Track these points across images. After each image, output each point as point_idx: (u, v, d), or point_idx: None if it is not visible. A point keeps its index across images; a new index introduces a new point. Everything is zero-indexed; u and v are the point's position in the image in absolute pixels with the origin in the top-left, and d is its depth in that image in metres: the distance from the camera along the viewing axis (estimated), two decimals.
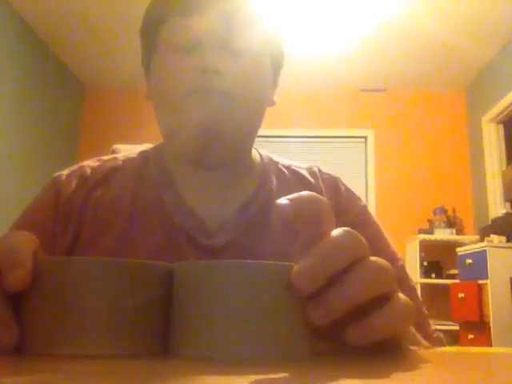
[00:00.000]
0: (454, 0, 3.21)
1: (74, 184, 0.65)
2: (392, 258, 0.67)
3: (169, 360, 0.29)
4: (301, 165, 0.74)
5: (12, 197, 3.32)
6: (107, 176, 0.67)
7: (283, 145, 4.31)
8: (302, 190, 0.70)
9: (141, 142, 0.75)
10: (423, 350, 0.37)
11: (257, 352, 0.28)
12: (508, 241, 3.05)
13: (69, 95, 4.39)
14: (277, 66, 0.69)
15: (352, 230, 0.33)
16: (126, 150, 0.77)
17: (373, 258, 0.33)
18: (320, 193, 0.69)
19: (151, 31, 0.64)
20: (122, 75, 4.34)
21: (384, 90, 4.45)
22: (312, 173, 0.72)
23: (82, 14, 3.49)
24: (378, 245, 0.66)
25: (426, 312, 0.65)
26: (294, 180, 0.70)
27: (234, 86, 0.58)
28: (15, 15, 3.47)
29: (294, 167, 0.72)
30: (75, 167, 0.69)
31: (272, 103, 0.69)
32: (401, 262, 0.68)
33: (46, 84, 3.96)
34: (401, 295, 0.33)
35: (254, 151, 0.72)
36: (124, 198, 0.64)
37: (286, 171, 0.71)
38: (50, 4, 3.38)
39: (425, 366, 0.31)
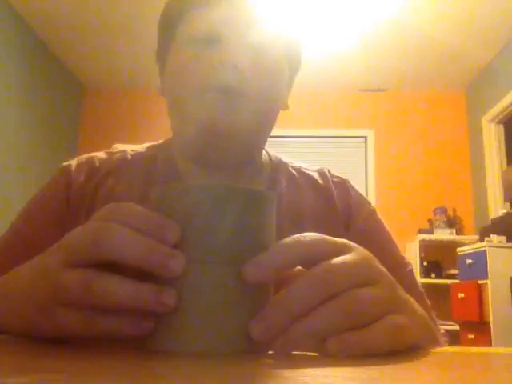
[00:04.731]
0: (454, 0, 3.21)
1: (83, 176, 0.65)
2: (400, 263, 0.66)
3: (169, 360, 0.29)
4: (311, 167, 0.73)
5: (11, 197, 3.32)
6: (116, 169, 0.66)
7: (283, 145, 4.31)
8: (311, 193, 0.69)
9: (140, 142, 0.75)
10: (422, 349, 0.37)
11: (222, 344, 0.30)
12: (508, 241, 3.05)
13: (69, 95, 4.39)
14: (293, 70, 0.67)
15: (331, 266, 0.31)
16: None
17: (358, 291, 0.31)
18: (330, 195, 0.68)
19: (170, 25, 0.63)
20: (122, 75, 4.34)
21: (384, 89, 4.45)
22: (322, 175, 0.71)
23: (82, 13, 3.49)
24: (387, 250, 0.66)
25: (435, 318, 0.64)
26: (304, 182, 0.70)
27: (249, 83, 0.57)
28: (15, 15, 3.47)
29: (304, 169, 0.72)
30: (84, 158, 0.68)
31: (286, 107, 0.67)
32: (409, 268, 0.67)
33: (45, 84, 3.96)
34: (396, 317, 0.33)
35: (263, 152, 0.71)
36: (133, 193, 0.63)
37: (295, 173, 0.71)
38: (49, 4, 3.38)
39: (425, 366, 0.31)
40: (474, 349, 0.38)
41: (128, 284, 0.29)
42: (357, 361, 0.28)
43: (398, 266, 0.65)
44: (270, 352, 0.31)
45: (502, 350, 0.38)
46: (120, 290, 0.29)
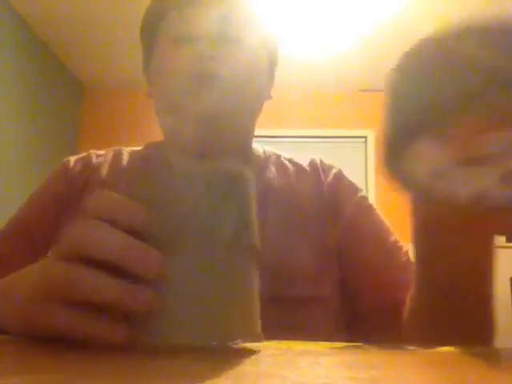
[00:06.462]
0: (454, 1, 3.21)
1: (78, 167, 0.70)
2: (393, 249, 0.66)
3: (170, 360, 0.29)
4: (303, 159, 0.75)
5: (11, 197, 3.32)
6: (109, 163, 0.71)
7: (283, 145, 4.30)
8: (300, 181, 0.72)
9: (141, 143, 0.76)
10: (423, 349, 0.37)
11: (203, 333, 0.30)
12: (508, 241, 3.05)
13: (69, 95, 4.39)
14: (273, 62, 0.72)
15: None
16: None
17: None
18: (319, 183, 0.70)
19: (152, 28, 0.67)
20: (122, 75, 4.34)
21: (384, 90, 4.45)
22: (312, 163, 0.73)
23: (82, 13, 3.49)
24: (379, 236, 0.67)
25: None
26: (294, 170, 0.72)
27: (230, 72, 0.61)
28: (15, 15, 3.47)
29: (295, 159, 0.74)
30: (83, 154, 0.74)
31: (269, 97, 0.71)
32: (404, 256, 0.66)
33: (45, 84, 3.96)
34: None
35: (256, 147, 0.74)
36: (122, 186, 0.66)
37: (287, 163, 0.73)
38: (49, 4, 3.38)
39: (424, 366, 0.31)
40: (475, 349, 0.38)
41: (103, 278, 0.30)
42: (357, 361, 0.28)
43: (391, 252, 0.66)
44: (268, 351, 0.31)
45: (501, 349, 0.38)
46: (94, 282, 0.30)
